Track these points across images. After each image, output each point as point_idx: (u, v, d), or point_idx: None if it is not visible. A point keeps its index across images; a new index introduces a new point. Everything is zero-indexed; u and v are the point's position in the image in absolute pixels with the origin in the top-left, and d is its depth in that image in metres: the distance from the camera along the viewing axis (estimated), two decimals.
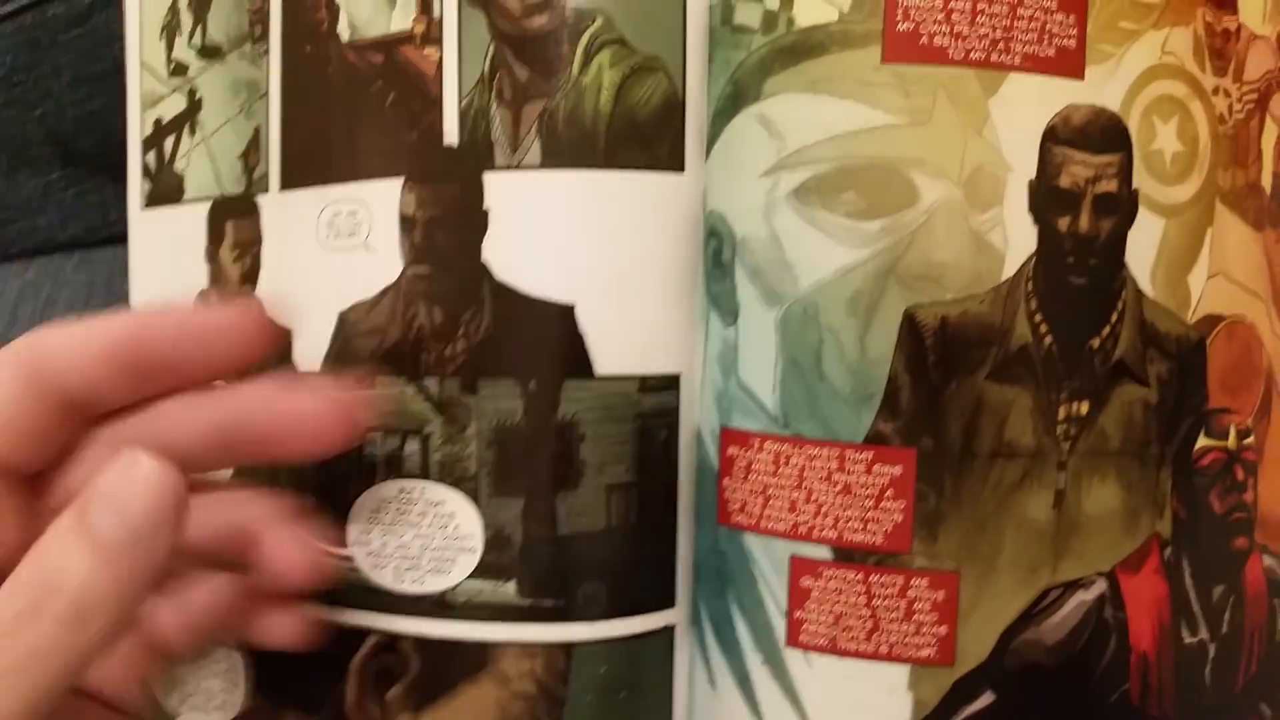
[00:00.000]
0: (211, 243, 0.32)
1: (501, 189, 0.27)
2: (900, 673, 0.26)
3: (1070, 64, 0.26)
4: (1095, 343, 0.27)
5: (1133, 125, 0.27)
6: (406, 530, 0.28)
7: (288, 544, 0.26)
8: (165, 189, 0.33)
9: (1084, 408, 0.26)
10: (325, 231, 0.29)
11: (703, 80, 0.27)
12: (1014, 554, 0.26)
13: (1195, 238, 0.28)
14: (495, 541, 0.27)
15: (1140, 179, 0.27)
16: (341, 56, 0.29)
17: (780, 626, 0.27)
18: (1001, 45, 0.26)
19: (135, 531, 0.21)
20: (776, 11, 0.27)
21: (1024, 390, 0.26)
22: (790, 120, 0.26)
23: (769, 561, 0.27)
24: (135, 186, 0.33)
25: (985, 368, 0.26)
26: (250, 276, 0.31)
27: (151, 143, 0.33)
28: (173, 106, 0.32)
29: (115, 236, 0.42)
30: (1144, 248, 0.27)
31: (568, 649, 0.27)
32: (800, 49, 0.26)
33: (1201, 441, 0.28)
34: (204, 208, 0.32)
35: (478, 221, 0.27)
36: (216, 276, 0.31)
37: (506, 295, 0.27)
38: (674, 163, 0.27)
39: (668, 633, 0.28)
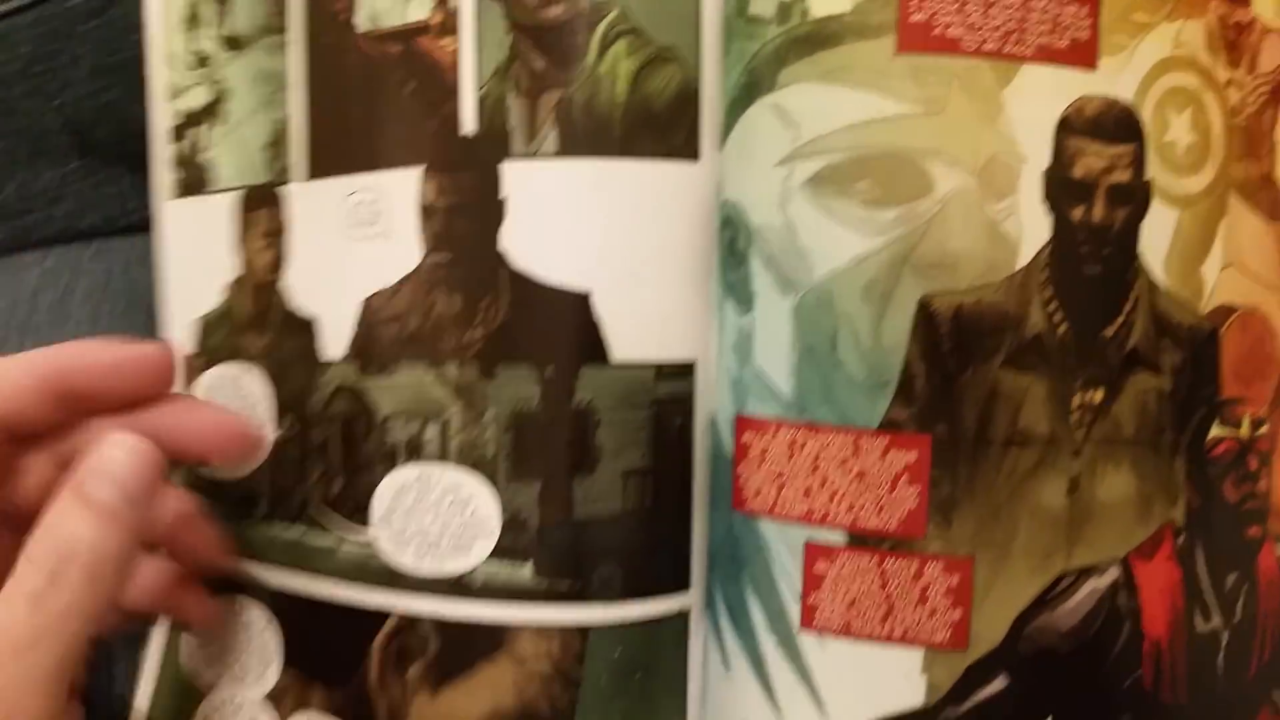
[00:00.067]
0: (239, 232, 0.32)
1: (518, 178, 0.27)
2: (914, 657, 0.27)
3: (1084, 55, 0.26)
4: (1109, 332, 0.27)
5: (1146, 116, 0.27)
6: (426, 513, 0.28)
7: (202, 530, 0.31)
8: (192, 180, 0.33)
9: (1098, 396, 0.27)
10: (347, 220, 0.29)
11: (718, 70, 0.28)
12: (1028, 540, 0.26)
13: (1208, 229, 0.28)
14: (512, 524, 0.28)
15: (1153, 170, 0.27)
16: (360, 47, 0.30)
17: (794, 611, 0.27)
18: (1015, 36, 0.26)
19: (129, 495, 0.25)
20: (791, 2, 0.27)
21: (1038, 378, 0.26)
22: (805, 110, 0.27)
23: (783, 546, 0.27)
24: (163, 178, 0.34)
25: (1000, 356, 0.26)
26: (276, 265, 0.31)
27: (179, 133, 0.33)
28: (198, 98, 0.33)
29: (133, 226, 0.42)
30: (1157, 238, 0.27)
31: (583, 631, 0.27)
32: (815, 39, 0.26)
33: (1215, 431, 0.28)
34: (231, 198, 0.32)
35: (495, 210, 0.27)
36: (244, 265, 0.32)
37: (523, 283, 0.27)
38: (689, 152, 0.28)
39: (682, 616, 0.28)
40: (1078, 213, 0.26)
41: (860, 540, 0.27)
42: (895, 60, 0.26)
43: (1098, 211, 0.26)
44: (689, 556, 0.28)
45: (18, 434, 0.27)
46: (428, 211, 0.28)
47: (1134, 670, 0.27)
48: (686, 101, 0.27)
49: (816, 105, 0.26)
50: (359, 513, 0.29)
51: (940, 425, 0.26)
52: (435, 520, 0.28)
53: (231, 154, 0.32)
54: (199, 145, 0.33)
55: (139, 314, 0.39)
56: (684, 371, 0.28)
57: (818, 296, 0.27)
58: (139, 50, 0.35)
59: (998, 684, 0.27)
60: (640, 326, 0.27)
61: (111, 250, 0.42)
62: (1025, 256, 0.26)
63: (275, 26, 0.31)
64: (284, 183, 0.31)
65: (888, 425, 0.26)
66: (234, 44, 0.32)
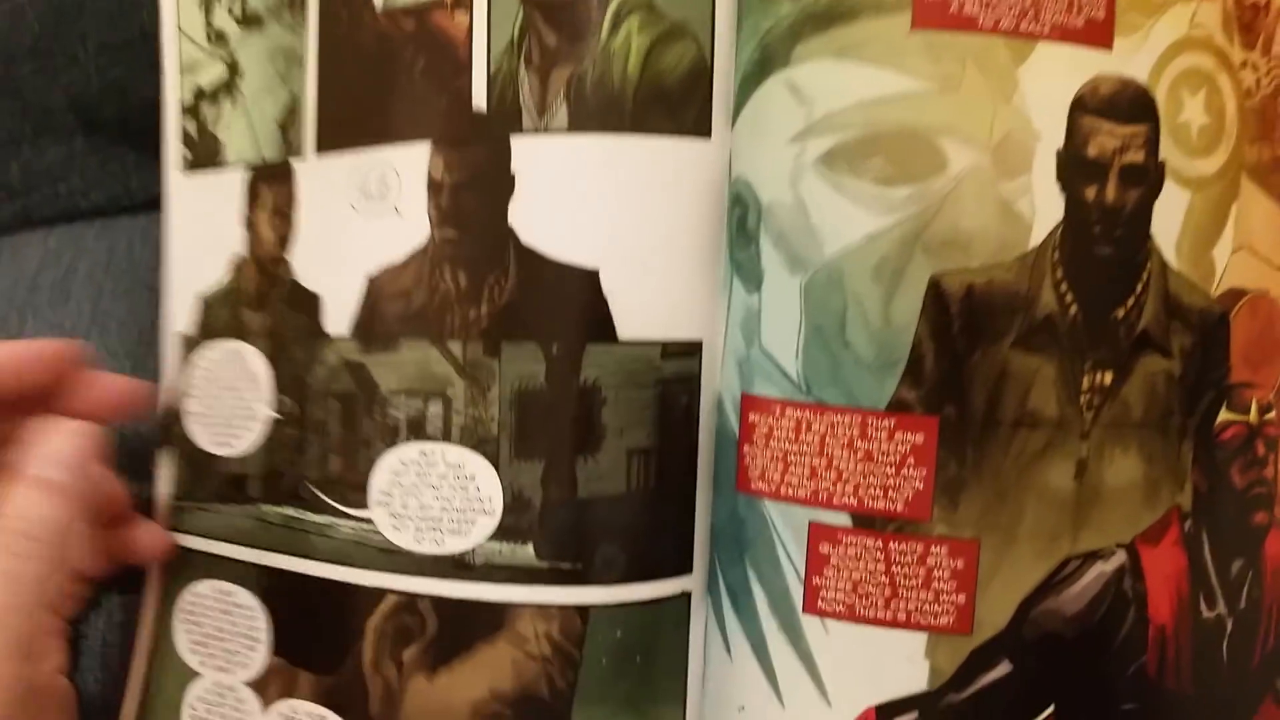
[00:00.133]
0: (248, 207, 0.32)
1: (528, 153, 0.27)
2: (917, 641, 0.26)
3: (1099, 34, 0.26)
4: (1120, 313, 0.27)
5: (1160, 97, 0.27)
6: (426, 492, 0.28)
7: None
8: (204, 154, 0.33)
9: (1107, 378, 0.26)
10: (356, 195, 0.29)
11: (731, 46, 0.27)
12: (1034, 523, 0.26)
13: (1220, 211, 0.28)
14: (515, 504, 0.27)
15: (1167, 151, 0.27)
16: (375, 23, 0.29)
17: (798, 593, 0.27)
18: (1030, 14, 0.26)
19: (72, 470, 0.27)
20: None
21: (1048, 359, 0.26)
22: (819, 86, 0.26)
23: (788, 528, 0.27)
24: (174, 152, 0.34)
25: (1010, 336, 0.26)
26: (285, 241, 0.31)
27: (191, 109, 0.33)
28: (212, 74, 0.33)
29: (137, 206, 0.42)
30: (1169, 220, 0.27)
31: (584, 612, 0.27)
32: (830, 15, 0.26)
33: (1223, 415, 0.28)
34: (241, 173, 0.32)
35: (504, 185, 0.27)
36: (252, 240, 0.32)
37: (531, 259, 0.27)
38: (701, 129, 0.27)
39: (684, 599, 0.28)
40: (1091, 193, 0.26)
41: (865, 522, 0.27)
42: (910, 37, 0.26)
43: (1110, 192, 0.26)
44: (692, 538, 0.28)
45: None
46: (435, 187, 0.28)
47: (1138, 657, 0.27)
48: (699, 78, 0.27)
49: (830, 82, 0.26)
50: (356, 491, 0.29)
51: (948, 406, 0.26)
52: (436, 499, 0.28)
53: (243, 130, 0.32)
54: (211, 121, 0.33)
55: (141, 294, 0.39)
56: (690, 350, 0.28)
57: (827, 275, 0.26)
58: (147, 28, 0.35)
59: (1001, 669, 0.27)
60: (648, 304, 0.27)
61: (115, 230, 0.42)
62: (1038, 236, 0.26)
63: (292, 3, 0.31)
64: (296, 158, 0.31)
65: (895, 406, 0.26)
66: (250, 20, 0.32)
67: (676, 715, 0.28)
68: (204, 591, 0.32)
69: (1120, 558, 0.27)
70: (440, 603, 0.28)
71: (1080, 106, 0.26)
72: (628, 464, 0.27)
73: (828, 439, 0.27)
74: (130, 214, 0.41)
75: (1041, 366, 0.26)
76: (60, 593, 0.27)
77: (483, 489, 0.28)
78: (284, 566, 0.30)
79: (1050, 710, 0.27)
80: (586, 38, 0.27)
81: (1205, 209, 0.28)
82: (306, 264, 0.31)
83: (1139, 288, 0.27)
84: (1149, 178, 0.27)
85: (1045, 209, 0.26)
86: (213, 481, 0.32)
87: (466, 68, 0.28)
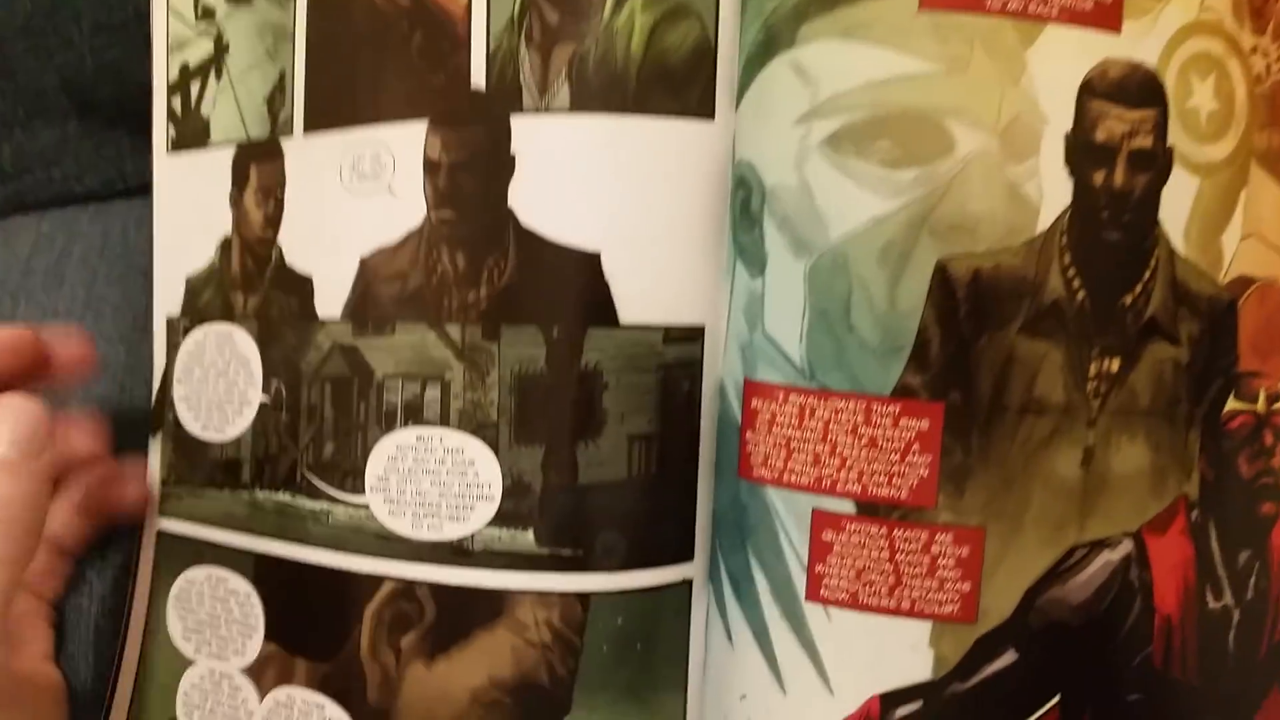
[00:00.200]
0: (235, 187, 0.31)
1: (529, 133, 0.27)
2: (922, 629, 0.26)
3: (1108, 17, 0.26)
4: (1128, 300, 0.26)
5: (1169, 81, 0.26)
6: (424, 477, 0.28)
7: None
8: (190, 133, 0.32)
9: (1115, 365, 0.26)
10: (348, 175, 0.29)
11: (735, 26, 0.27)
12: (1041, 511, 0.26)
13: (1229, 198, 0.28)
14: (514, 489, 0.27)
15: (1175, 136, 0.27)
16: None
17: (800, 580, 0.27)
18: None
19: (26, 447, 0.27)
20: None
21: (1055, 345, 0.26)
22: (824, 67, 0.26)
23: (790, 515, 0.27)
24: (160, 131, 0.33)
25: (1017, 321, 0.26)
26: (273, 221, 0.30)
27: (177, 87, 0.33)
28: (199, 51, 0.32)
29: (131, 189, 0.41)
30: (1178, 206, 0.27)
31: (584, 599, 0.27)
32: None
33: (1231, 404, 0.28)
34: (229, 152, 0.31)
35: (503, 166, 0.27)
36: (239, 221, 0.31)
37: (531, 241, 0.27)
38: (704, 110, 0.27)
39: (685, 586, 0.28)
40: (1099, 177, 0.26)
41: (869, 509, 0.26)
42: (917, 17, 0.25)
43: (1119, 177, 0.26)
44: (693, 525, 0.28)
45: None
46: (432, 167, 0.28)
47: (1144, 647, 0.27)
48: (703, 58, 0.27)
49: (836, 62, 0.26)
50: (352, 477, 0.29)
51: (954, 392, 0.26)
52: (434, 485, 0.28)
53: (230, 108, 0.31)
54: (198, 99, 0.32)
55: (136, 279, 0.38)
56: (693, 335, 0.27)
57: (832, 259, 0.26)
58: (141, 8, 0.35)
59: (1006, 658, 0.26)
60: (650, 288, 0.27)
61: (109, 214, 0.41)
62: (1045, 221, 0.26)
63: None
64: (284, 136, 0.30)
65: (900, 392, 0.26)
66: None
67: (677, 703, 0.28)
68: (197, 578, 0.32)
69: (1127, 547, 0.27)
70: (439, 589, 0.27)
71: (1089, 90, 0.26)
72: (629, 450, 0.27)
73: (831, 425, 0.26)
74: (125, 198, 0.41)
75: (1048, 352, 0.26)
76: (39, 572, 0.27)
77: (481, 474, 0.27)
78: (278, 553, 0.30)
79: (1056, 700, 0.26)
80: (589, 15, 0.26)
81: (1214, 195, 0.27)
82: (296, 245, 0.30)
83: (1147, 274, 0.26)
84: (1157, 163, 0.26)
85: (1053, 193, 0.26)
86: (204, 467, 0.32)
87: (465, 44, 0.27)
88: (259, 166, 0.31)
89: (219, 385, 0.31)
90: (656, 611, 0.27)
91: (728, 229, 0.28)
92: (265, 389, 0.30)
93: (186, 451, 0.32)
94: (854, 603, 0.26)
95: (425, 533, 0.28)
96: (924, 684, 0.26)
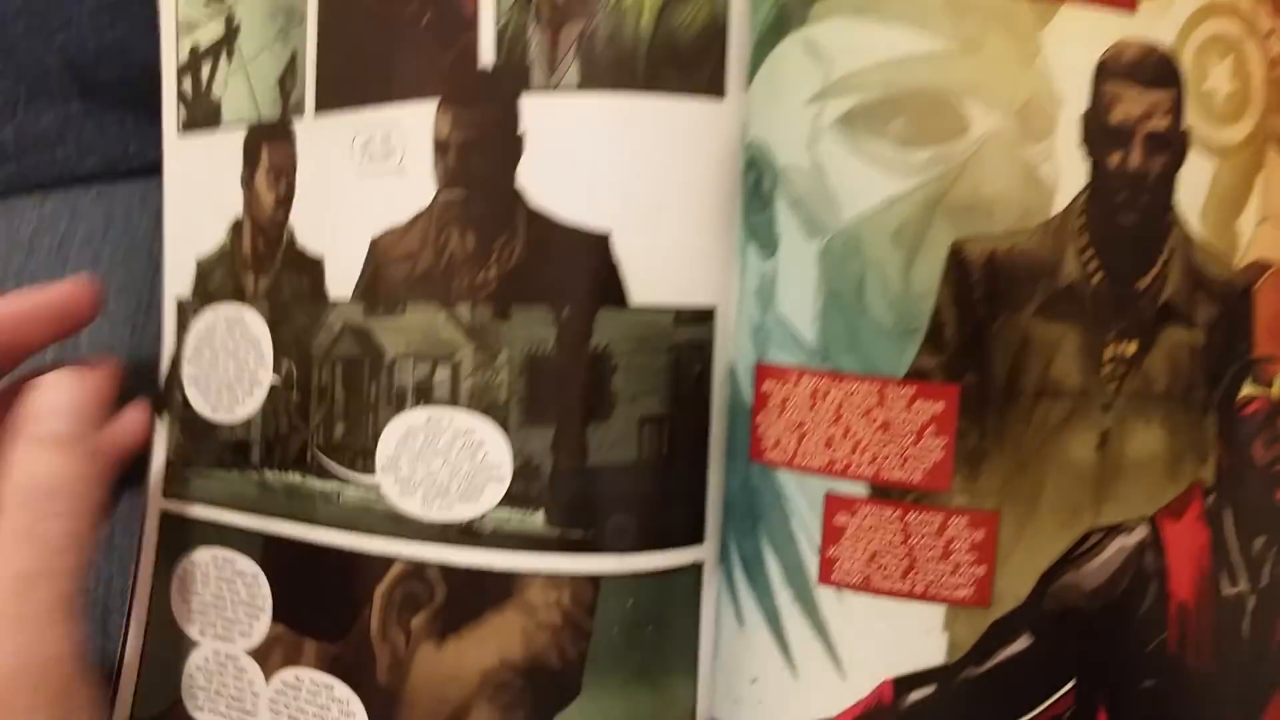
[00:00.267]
0: (247, 168, 0.31)
1: (538, 112, 0.26)
2: (935, 613, 0.26)
3: None
4: (1143, 283, 0.26)
5: (1185, 63, 0.26)
6: (435, 458, 0.27)
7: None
8: (201, 115, 0.32)
9: (1131, 349, 0.26)
10: (359, 156, 0.29)
11: (746, 4, 0.27)
12: (1056, 495, 0.26)
13: (1245, 181, 0.27)
14: (524, 471, 0.27)
15: (1192, 118, 0.26)
16: None
17: (813, 564, 0.27)
18: None
19: (83, 423, 0.27)
20: None
21: (1071, 328, 0.26)
22: (838, 45, 0.26)
23: (803, 498, 0.27)
24: (170, 112, 0.33)
25: (1033, 304, 0.25)
26: (284, 202, 0.30)
27: (188, 68, 0.32)
28: (210, 32, 0.32)
29: (134, 170, 0.41)
30: (1194, 189, 0.26)
31: (595, 581, 0.27)
32: None
33: (1246, 389, 0.28)
34: (240, 133, 0.31)
35: (513, 145, 0.27)
36: (251, 202, 0.31)
37: (541, 221, 0.26)
38: (714, 89, 0.27)
39: (696, 569, 0.28)
40: (1115, 159, 0.26)
41: (883, 492, 0.26)
42: None
43: (1135, 158, 0.26)
44: (704, 508, 0.28)
45: None
46: (442, 146, 0.27)
47: (1159, 632, 0.27)
48: (713, 36, 0.26)
49: (850, 40, 0.25)
50: (362, 457, 0.29)
51: (969, 375, 0.25)
52: (444, 465, 0.27)
53: (241, 89, 0.31)
54: (209, 80, 0.32)
55: (140, 260, 0.38)
56: (704, 317, 0.27)
57: (845, 240, 0.26)
58: None
59: (1020, 643, 0.26)
60: (660, 269, 0.27)
61: (112, 195, 0.41)
62: (1061, 202, 0.25)
63: None
64: (295, 117, 0.30)
65: (915, 374, 0.26)
66: None
67: (688, 686, 0.28)
68: (202, 559, 0.31)
69: (1142, 532, 0.26)
70: (449, 570, 0.27)
71: (1104, 71, 0.26)
72: (639, 432, 0.27)
73: (844, 407, 0.26)
74: (128, 179, 0.41)
75: (1064, 335, 0.26)
76: (91, 549, 0.26)
77: (491, 455, 0.27)
78: (287, 533, 0.30)
79: (1070, 686, 0.26)
80: None
81: (1230, 179, 0.27)
82: (307, 226, 0.30)
83: (1162, 257, 0.26)
84: (1173, 145, 0.26)
85: (1069, 175, 0.25)
86: (213, 448, 0.31)
87: (473, 23, 0.27)
88: (270, 147, 0.30)
89: (229, 366, 0.31)
90: (667, 594, 0.27)
91: (739, 210, 0.27)
92: (276, 370, 0.30)
93: (194, 433, 0.32)
94: (867, 586, 0.26)
95: (435, 513, 0.27)
96: (937, 668, 0.26)
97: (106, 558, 0.34)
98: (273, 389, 0.30)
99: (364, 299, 0.29)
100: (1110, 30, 0.26)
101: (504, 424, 0.27)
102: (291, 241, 0.30)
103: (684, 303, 0.27)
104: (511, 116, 0.27)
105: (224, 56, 0.32)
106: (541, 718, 0.27)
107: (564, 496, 0.27)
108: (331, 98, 0.29)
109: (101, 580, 0.34)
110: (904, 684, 0.26)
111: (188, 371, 0.32)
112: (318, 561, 0.29)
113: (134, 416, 0.32)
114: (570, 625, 0.27)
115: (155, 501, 0.33)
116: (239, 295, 0.31)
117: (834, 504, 0.26)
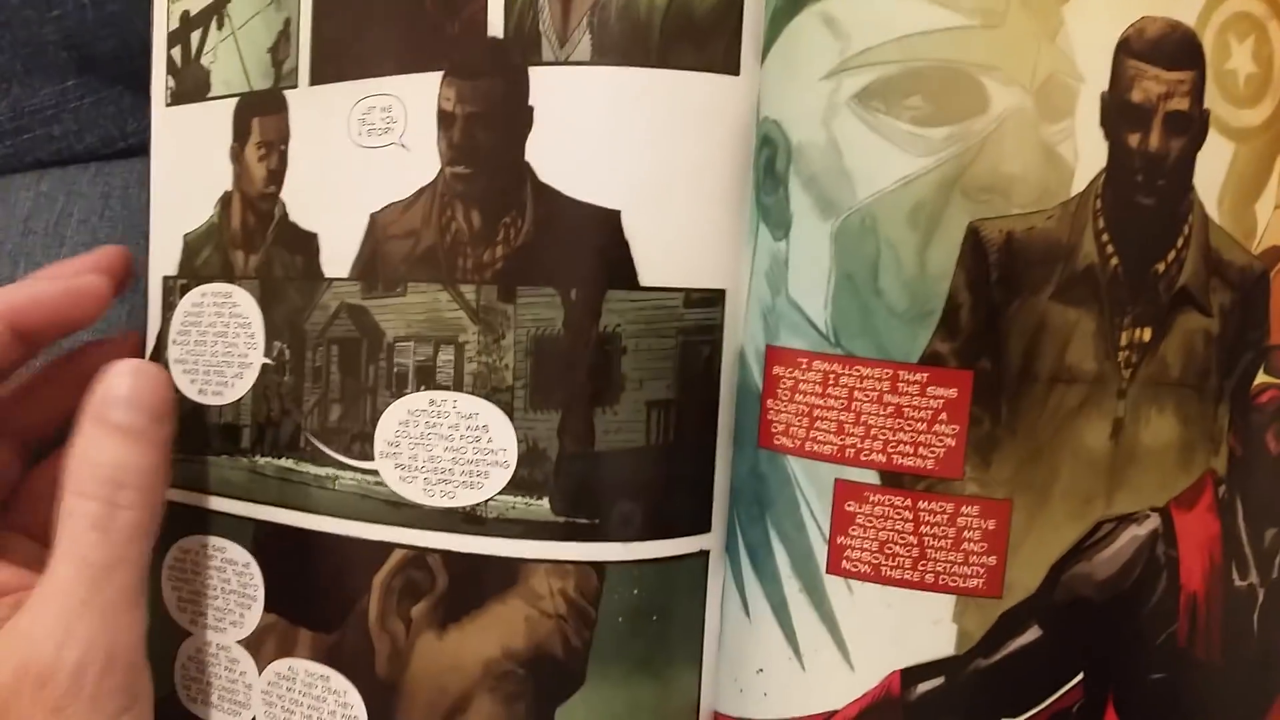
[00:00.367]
0: (236, 141, 0.30)
1: (547, 85, 0.26)
2: (945, 603, 0.25)
3: None
4: (1160, 267, 0.26)
5: (1207, 42, 0.26)
6: (437, 443, 0.27)
7: None
8: (190, 86, 0.31)
9: (1146, 334, 0.25)
10: (358, 128, 0.28)
11: None
12: (1069, 484, 0.25)
13: (1265, 165, 0.27)
14: (529, 456, 0.26)
15: (1212, 100, 0.26)
16: None
17: (821, 553, 0.26)
18: None
19: (153, 415, 0.27)
20: None
21: (1087, 313, 0.25)
22: (855, 19, 0.25)
23: (812, 485, 0.26)
24: (159, 84, 0.32)
25: (1049, 287, 0.25)
26: (276, 176, 0.29)
27: (177, 37, 0.31)
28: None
29: (132, 148, 0.40)
30: (1212, 171, 0.26)
31: (600, 569, 0.26)
32: None
33: (1260, 378, 0.27)
34: (230, 104, 0.30)
35: (521, 119, 0.26)
36: (240, 176, 0.30)
37: (549, 198, 0.26)
38: (729, 65, 0.26)
39: (702, 557, 0.27)
40: (1134, 139, 0.25)
41: (894, 480, 0.26)
42: None
43: (1154, 139, 0.25)
44: (711, 495, 0.27)
45: None
46: (447, 119, 0.27)
47: (1170, 624, 0.26)
48: (728, 10, 0.26)
49: (868, 14, 0.25)
50: (360, 442, 0.28)
51: (983, 360, 0.25)
52: (447, 450, 0.27)
53: (233, 58, 0.30)
54: (198, 49, 0.31)
55: (137, 239, 0.37)
56: (713, 299, 0.27)
57: (860, 220, 0.25)
58: None
59: (1031, 634, 0.26)
60: (671, 249, 0.26)
61: (110, 173, 0.40)
62: (1080, 183, 0.25)
63: None
64: (288, 88, 0.29)
65: (928, 359, 0.25)
66: None
67: (693, 676, 0.27)
68: (192, 547, 0.31)
69: (1154, 522, 0.26)
70: (451, 558, 0.27)
71: (1125, 49, 0.25)
72: (647, 417, 0.26)
73: (856, 393, 0.26)
74: (127, 157, 0.40)
75: (1080, 320, 0.25)
76: (156, 536, 0.27)
77: (496, 440, 0.26)
78: (280, 520, 0.29)
79: (1079, 678, 0.26)
80: None
81: (1249, 162, 0.27)
82: (301, 201, 0.29)
83: (1180, 241, 0.26)
84: (1193, 127, 0.26)
85: (1088, 155, 0.25)
86: (200, 432, 0.31)
87: None
88: (262, 119, 0.30)
89: (217, 347, 0.30)
90: (673, 583, 0.27)
91: (751, 189, 0.27)
92: (267, 351, 0.30)
93: (180, 416, 0.31)
94: (876, 576, 0.26)
95: (437, 500, 0.27)
96: (946, 659, 0.26)
97: None
98: (264, 371, 0.30)
99: (362, 277, 0.28)
100: (1132, 7, 0.25)
101: (509, 408, 0.26)
102: (283, 217, 0.29)
103: (694, 284, 0.26)
104: (520, 89, 0.26)
105: (214, 24, 0.31)
106: (544, 708, 0.26)
107: (570, 483, 0.26)
108: (328, 68, 0.29)
109: None
110: (912, 675, 0.26)
111: (174, 352, 0.31)
112: (312, 549, 0.29)
113: None
114: (574, 614, 0.26)
115: None
116: (228, 273, 0.30)
117: (844, 491, 0.26)
